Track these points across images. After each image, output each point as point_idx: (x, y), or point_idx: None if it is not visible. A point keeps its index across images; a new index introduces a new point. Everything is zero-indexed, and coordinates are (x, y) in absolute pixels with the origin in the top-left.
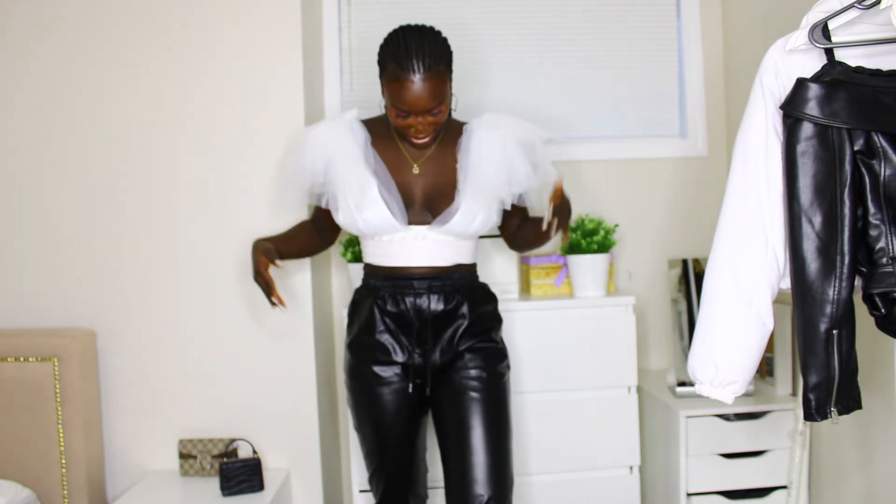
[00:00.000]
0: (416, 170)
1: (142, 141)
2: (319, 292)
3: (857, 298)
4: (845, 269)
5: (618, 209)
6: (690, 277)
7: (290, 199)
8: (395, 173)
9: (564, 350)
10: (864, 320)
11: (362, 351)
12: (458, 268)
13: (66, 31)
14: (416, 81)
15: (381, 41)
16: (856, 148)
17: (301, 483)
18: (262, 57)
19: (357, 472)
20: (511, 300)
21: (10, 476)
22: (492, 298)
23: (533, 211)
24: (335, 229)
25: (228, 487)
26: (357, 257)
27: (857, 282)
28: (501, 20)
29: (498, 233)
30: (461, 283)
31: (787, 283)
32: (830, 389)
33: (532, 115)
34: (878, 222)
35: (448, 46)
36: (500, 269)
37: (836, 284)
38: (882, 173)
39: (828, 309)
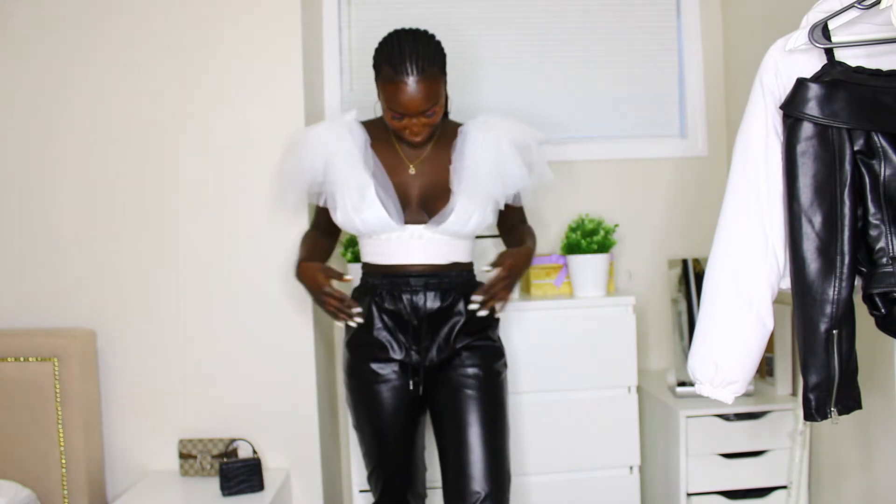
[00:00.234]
0: (412, 170)
1: (142, 141)
2: None
3: (857, 298)
4: (845, 269)
5: (618, 209)
6: (690, 277)
7: (290, 198)
8: (392, 174)
9: (564, 350)
10: (864, 320)
11: (360, 348)
12: (455, 266)
13: (66, 31)
14: (410, 83)
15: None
16: (856, 148)
17: (301, 483)
18: (262, 57)
19: (357, 472)
20: (511, 300)
21: (10, 476)
22: None
23: (528, 210)
24: (338, 228)
25: (228, 487)
26: (357, 257)
27: (857, 282)
28: (501, 20)
29: (497, 233)
30: (457, 282)
31: (787, 283)
32: (830, 389)
33: (532, 115)
34: (878, 222)
35: (441, 49)
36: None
37: (836, 284)
38: (882, 173)
39: (828, 309)
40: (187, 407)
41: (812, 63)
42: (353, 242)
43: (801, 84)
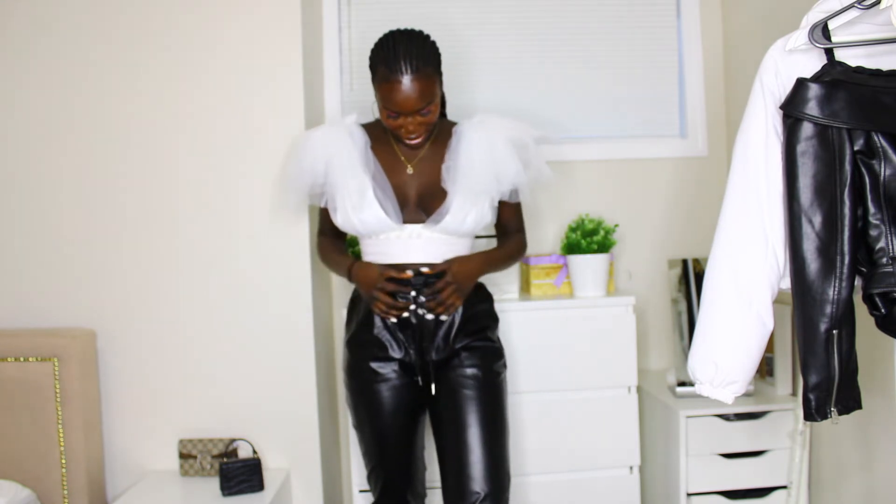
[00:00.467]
0: (409, 170)
1: (142, 141)
2: (319, 292)
3: (857, 298)
4: (845, 269)
5: (618, 209)
6: (690, 277)
7: (291, 200)
8: (390, 174)
9: (564, 350)
10: (864, 320)
11: (360, 347)
12: None
13: (66, 31)
14: (405, 82)
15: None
16: (856, 148)
17: (301, 483)
18: (262, 57)
19: (357, 471)
20: (511, 300)
21: (10, 476)
22: (487, 297)
23: (527, 210)
24: None
25: (228, 487)
26: (357, 257)
27: (857, 282)
28: (501, 20)
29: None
30: None
31: (787, 283)
32: (830, 389)
33: (532, 115)
34: (878, 222)
35: (436, 49)
36: None
37: (836, 284)
38: (882, 173)
39: (828, 309)
40: (187, 407)
41: (812, 63)
42: (353, 242)
43: (801, 84)
